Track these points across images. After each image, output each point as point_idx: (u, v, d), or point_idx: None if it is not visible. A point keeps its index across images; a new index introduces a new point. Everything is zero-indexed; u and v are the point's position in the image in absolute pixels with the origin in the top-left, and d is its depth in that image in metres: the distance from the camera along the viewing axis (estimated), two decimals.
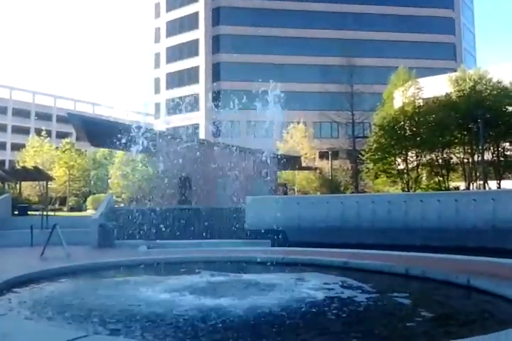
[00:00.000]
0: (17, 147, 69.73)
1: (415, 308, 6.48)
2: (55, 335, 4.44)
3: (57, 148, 63.77)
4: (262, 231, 15.79)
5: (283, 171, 42.83)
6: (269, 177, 26.98)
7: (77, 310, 6.13)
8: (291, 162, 36.48)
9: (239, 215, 17.07)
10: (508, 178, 35.83)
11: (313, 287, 7.51)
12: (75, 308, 6.26)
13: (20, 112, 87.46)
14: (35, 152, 58.64)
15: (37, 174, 34.96)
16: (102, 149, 67.22)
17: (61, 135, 78.57)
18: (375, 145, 36.66)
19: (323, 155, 52.54)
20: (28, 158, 57.27)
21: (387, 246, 12.74)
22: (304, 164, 45.73)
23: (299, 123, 53.88)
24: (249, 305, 6.10)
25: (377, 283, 8.38)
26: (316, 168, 48.77)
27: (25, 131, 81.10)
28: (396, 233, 15.15)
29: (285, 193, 43.96)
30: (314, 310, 6.06)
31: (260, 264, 9.90)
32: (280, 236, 15.20)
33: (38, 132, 65.53)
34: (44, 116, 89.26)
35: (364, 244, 13.92)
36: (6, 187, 39.66)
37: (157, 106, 70.72)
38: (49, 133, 70.53)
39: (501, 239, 13.48)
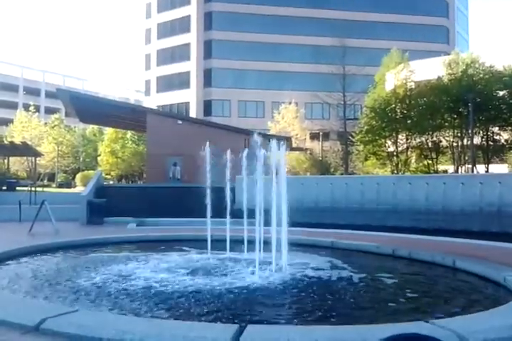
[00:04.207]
0: (5, 122, 68.74)
1: (400, 287, 6.57)
2: (47, 309, 4.48)
3: (45, 123, 63.04)
4: (251, 210, 15.84)
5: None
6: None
7: (64, 286, 6.16)
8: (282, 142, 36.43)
9: (229, 194, 17.03)
10: (496, 162, 36.17)
11: (299, 266, 7.58)
12: (63, 284, 6.28)
13: (9, 87, 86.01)
14: (23, 127, 57.93)
15: (25, 149, 34.59)
16: (91, 126, 66.64)
17: (50, 110, 77.51)
18: (365, 127, 36.70)
19: (314, 137, 52.46)
20: (16, 133, 56.60)
21: (375, 227, 12.87)
22: (294, 145, 45.70)
23: (290, 103, 53.66)
24: (234, 283, 6.18)
25: (363, 263, 8.47)
26: (306, 149, 48.76)
27: (14, 106, 79.90)
28: (384, 214, 15.30)
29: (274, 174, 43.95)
30: (298, 288, 6.14)
31: (248, 243, 9.95)
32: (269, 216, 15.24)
33: (26, 107, 64.61)
34: (33, 91, 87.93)
35: (353, 224, 14.04)
36: None
37: (147, 83, 69.89)
38: (37, 109, 69.56)
39: (487, 221, 13.68)
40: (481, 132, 33.15)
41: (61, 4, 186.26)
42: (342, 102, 47.52)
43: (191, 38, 64.99)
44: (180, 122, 29.86)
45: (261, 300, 5.58)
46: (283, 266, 7.38)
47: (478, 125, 31.97)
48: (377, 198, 15.91)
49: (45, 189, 35.49)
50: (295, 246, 9.94)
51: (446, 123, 33.13)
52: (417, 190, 15.55)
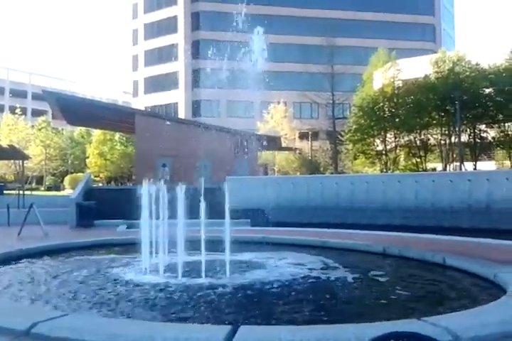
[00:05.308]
0: None
1: (391, 286, 6.59)
2: (37, 314, 4.44)
3: (32, 126, 62.49)
4: (242, 211, 15.85)
5: (263, 152, 42.80)
6: (248, 158, 26.90)
7: (53, 289, 6.11)
8: (272, 142, 36.45)
9: (219, 195, 16.98)
10: (484, 160, 36.49)
11: (292, 266, 7.58)
12: (52, 287, 6.23)
13: None
14: (10, 130, 57.37)
15: (12, 152, 34.20)
16: (79, 128, 66.16)
17: (37, 113, 76.86)
18: (354, 126, 36.86)
19: (303, 136, 52.56)
20: (2, 136, 56.04)
21: (365, 226, 12.91)
22: (284, 145, 45.74)
23: (279, 103, 53.68)
24: (224, 284, 6.17)
25: (355, 261, 8.49)
26: (295, 149, 48.82)
27: (0, 109, 79.18)
28: (374, 213, 15.37)
29: (265, 173, 44.08)
30: (292, 288, 6.14)
31: (239, 244, 9.92)
32: (260, 216, 15.28)
33: (13, 110, 63.97)
34: (19, 94, 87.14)
35: (343, 223, 14.10)
36: None
37: (135, 84, 69.57)
38: (24, 111, 68.92)
39: (476, 218, 13.79)
40: (468, 130, 33.43)
41: (47, 6, 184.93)
42: (331, 101, 47.74)
43: (179, 38, 64.80)
44: (168, 123, 29.77)
45: (251, 299, 5.57)
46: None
47: (465, 123, 32.24)
48: (367, 197, 15.99)
49: (34, 192, 35.22)
50: (288, 246, 9.96)
51: (434, 121, 33.38)
52: (407, 188, 15.65)
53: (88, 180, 20.21)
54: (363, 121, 35.72)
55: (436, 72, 34.74)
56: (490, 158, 38.32)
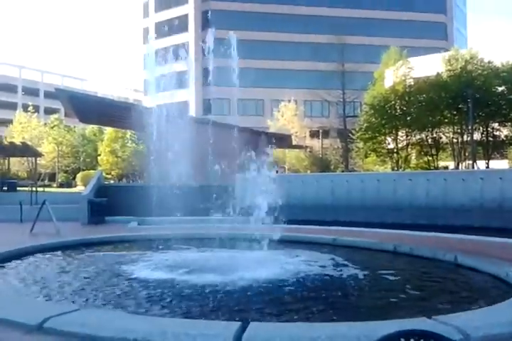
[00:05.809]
0: (4, 123, 68.62)
1: (402, 284, 6.57)
2: (49, 308, 4.49)
3: (45, 124, 62.96)
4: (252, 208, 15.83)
5: (273, 149, 42.70)
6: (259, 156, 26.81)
7: (65, 285, 6.16)
8: (282, 140, 36.37)
9: (228, 193, 16.99)
10: (497, 158, 36.17)
11: (303, 263, 7.58)
12: (64, 284, 6.28)
13: (7, 87, 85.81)
14: (23, 128, 57.85)
15: (25, 150, 34.54)
16: (91, 125, 66.51)
17: (49, 111, 77.37)
18: (365, 125, 36.70)
19: (313, 134, 52.45)
20: (15, 134, 56.53)
21: (376, 224, 12.86)
22: (294, 143, 45.65)
23: (289, 101, 53.56)
24: (235, 281, 6.18)
25: (366, 259, 8.47)
26: (306, 147, 48.72)
27: (13, 107, 79.74)
28: (385, 211, 15.30)
29: (275, 171, 43.97)
30: (304, 285, 6.14)
31: (249, 241, 9.93)
32: (270, 214, 15.22)
33: (25, 108, 64.45)
34: (31, 92, 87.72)
35: (354, 221, 14.04)
36: None
37: (146, 82, 69.79)
38: (37, 109, 69.37)
39: (488, 217, 13.67)
40: (480, 128, 33.16)
41: (59, 4, 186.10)
42: (341, 100, 47.55)
43: (189, 37, 64.89)
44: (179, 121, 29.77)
45: (264, 296, 5.57)
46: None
47: (477, 121, 31.98)
48: (378, 195, 15.93)
49: (46, 189, 35.46)
50: (298, 243, 9.95)
51: (446, 120, 33.14)
52: (418, 186, 15.56)
53: (100, 177, 20.31)
54: (374, 120, 35.56)
55: (449, 70, 34.46)
56: (503, 156, 37.99)
